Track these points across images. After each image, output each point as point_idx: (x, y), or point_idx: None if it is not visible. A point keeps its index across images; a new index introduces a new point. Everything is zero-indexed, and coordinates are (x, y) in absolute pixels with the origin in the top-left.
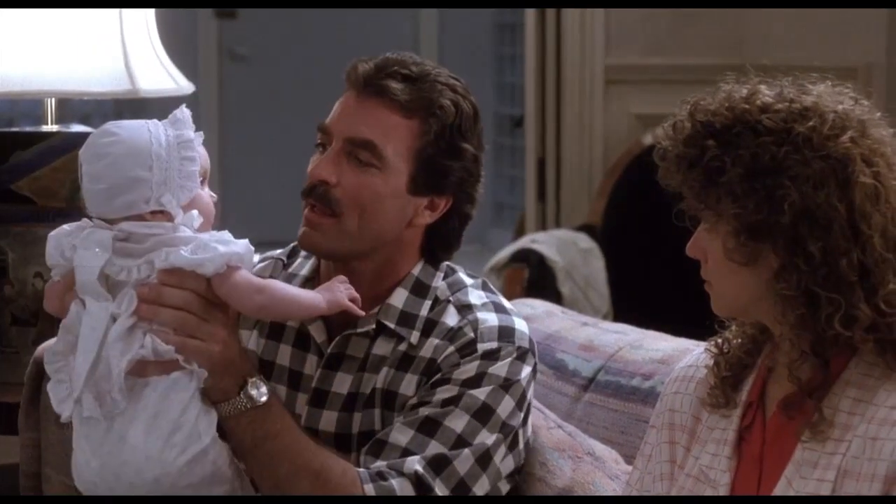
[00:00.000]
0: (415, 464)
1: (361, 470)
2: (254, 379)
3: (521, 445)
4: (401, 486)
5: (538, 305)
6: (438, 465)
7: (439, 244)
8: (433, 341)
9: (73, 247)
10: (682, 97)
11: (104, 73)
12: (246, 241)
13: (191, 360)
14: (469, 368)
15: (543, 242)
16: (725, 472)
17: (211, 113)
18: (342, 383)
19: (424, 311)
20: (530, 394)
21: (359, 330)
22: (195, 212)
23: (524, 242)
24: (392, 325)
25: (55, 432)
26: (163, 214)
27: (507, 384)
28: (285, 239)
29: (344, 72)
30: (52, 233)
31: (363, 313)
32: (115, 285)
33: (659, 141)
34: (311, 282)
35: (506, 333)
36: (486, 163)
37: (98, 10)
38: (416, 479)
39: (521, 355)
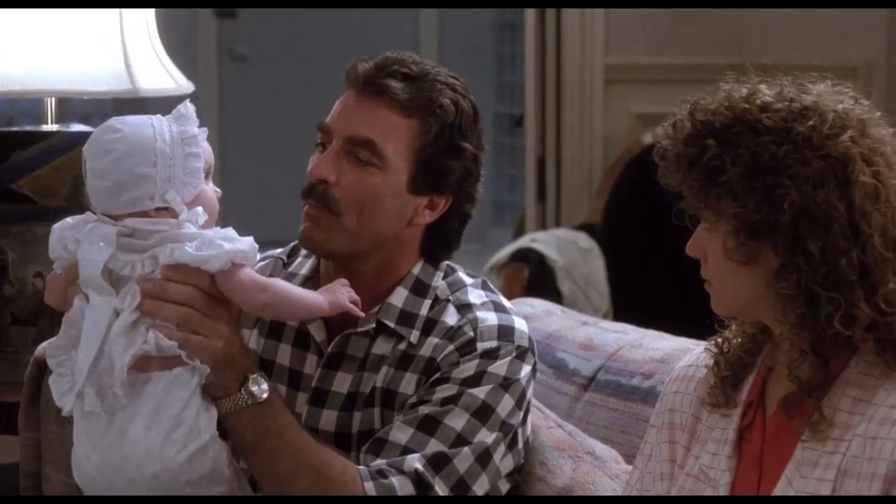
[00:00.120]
0: (415, 462)
1: (361, 468)
2: (255, 375)
3: (521, 444)
4: (401, 485)
5: (538, 305)
6: (438, 463)
7: (439, 243)
8: (433, 340)
9: (76, 240)
10: (682, 96)
11: (104, 73)
12: (250, 238)
13: (193, 355)
14: (468, 367)
15: (543, 242)
16: (725, 472)
17: (211, 112)
18: (342, 383)
19: (424, 311)
20: (530, 393)
21: (359, 329)
22: (200, 208)
23: (524, 242)
24: (392, 325)
25: (55, 432)
26: (167, 211)
27: (506, 383)
28: (285, 238)
29: (343, 71)
30: (56, 225)
31: (363, 315)
32: (119, 280)
33: (659, 140)
34: (311, 281)
35: (505, 332)
36: (485, 162)
37: (98, 9)
38: (417, 478)
39: (521, 354)
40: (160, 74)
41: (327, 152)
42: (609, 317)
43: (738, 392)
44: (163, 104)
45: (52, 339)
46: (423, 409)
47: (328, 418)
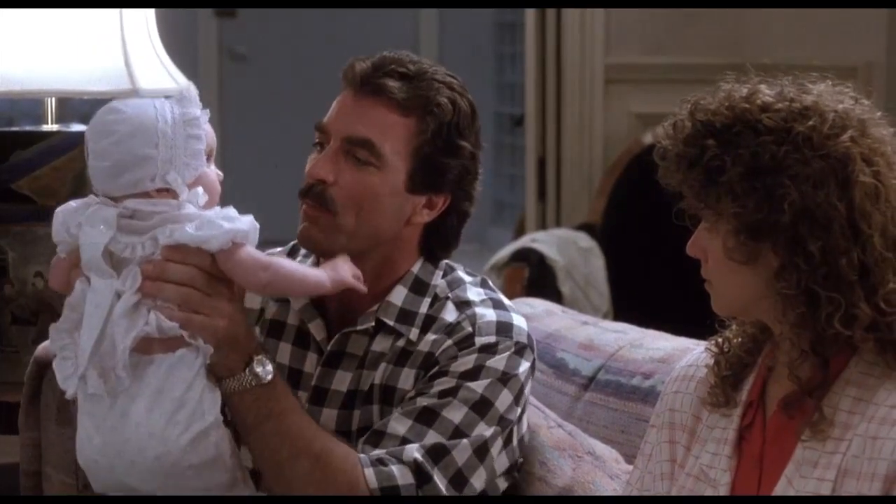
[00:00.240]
0: (414, 452)
1: (362, 455)
2: (260, 357)
3: (516, 442)
4: (401, 473)
5: (538, 304)
6: (437, 454)
7: (438, 242)
8: (431, 336)
9: (78, 224)
10: (682, 96)
11: (104, 73)
12: (250, 217)
13: (196, 335)
14: (467, 361)
15: (543, 241)
16: (726, 472)
17: (211, 112)
18: (342, 381)
19: (424, 309)
20: (528, 390)
21: (358, 328)
22: (200, 189)
23: (524, 242)
24: (391, 323)
25: (55, 431)
26: (168, 192)
27: (505, 378)
28: (285, 238)
29: (341, 71)
30: (59, 209)
31: (365, 289)
32: (120, 262)
33: (659, 140)
34: None
35: (504, 328)
36: (486, 162)
37: (98, 9)
38: (416, 467)
39: (520, 350)
40: (160, 74)
41: (325, 152)
42: (609, 317)
43: (739, 392)
44: None
45: (55, 323)
46: (422, 401)
47: (328, 417)
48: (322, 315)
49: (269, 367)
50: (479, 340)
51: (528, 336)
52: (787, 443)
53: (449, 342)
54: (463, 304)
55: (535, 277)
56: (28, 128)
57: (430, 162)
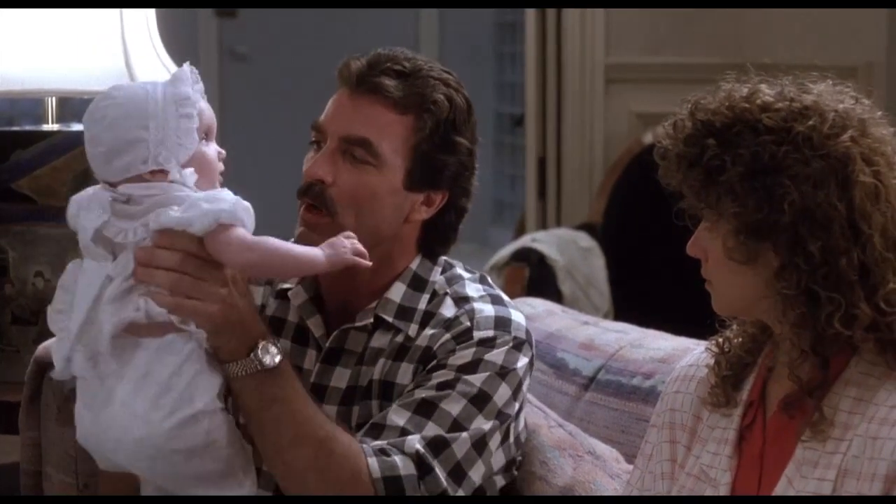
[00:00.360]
0: (415, 443)
1: (365, 445)
2: (265, 342)
3: (513, 440)
4: (403, 464)
5: (538, 304)
6: (437, 446)
7: (436, 239)
8: (429, 331)
9: (79, 210)
10: (683, 96)
11: (104, 73)
12: (236, 197)
13: (188, 321)
14: (465, 354)
15: (544, 241)
16: (726, 472)
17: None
18: (340, 377)
19: (423, 305)
20: (526, 386)
21: (357, 324)
22: (190, 169)
23: (524, 241)
24: (390, 319)
25: (55, 431)
26: (163, 174)
27: (503, 372)
28: (284, 237)
29: (336, 69)
30: (73, 196)
31: (370, 264)
32: (117, 248)
33: (659, 140)
34: (311, 277)
35: (502, 323)
36: (486, 161)
37: (98, 9)
38: (418, 459)
39: (518, 345)
40: (160, 74)
41: (322, 152)
42: (609, 316)
43: (739, 392)
44: None
45: (51, 305)
46: (420, 394)
47: (327, 413)
48: (321, 312)
49: (275, 353)
50: (478, 334)
51: (527, 332)
52: (787, 443)
53: (447, 336)
54: (461, 300)
55: (536, 277)
56: (28, 128)
57: (428, 159)
